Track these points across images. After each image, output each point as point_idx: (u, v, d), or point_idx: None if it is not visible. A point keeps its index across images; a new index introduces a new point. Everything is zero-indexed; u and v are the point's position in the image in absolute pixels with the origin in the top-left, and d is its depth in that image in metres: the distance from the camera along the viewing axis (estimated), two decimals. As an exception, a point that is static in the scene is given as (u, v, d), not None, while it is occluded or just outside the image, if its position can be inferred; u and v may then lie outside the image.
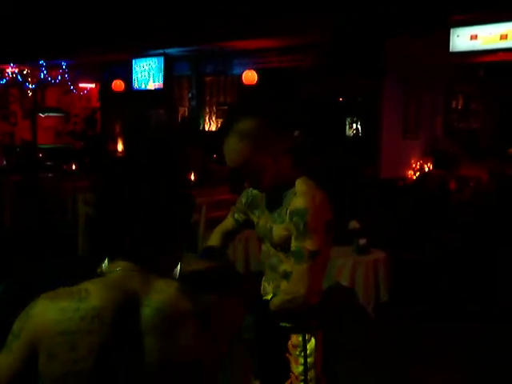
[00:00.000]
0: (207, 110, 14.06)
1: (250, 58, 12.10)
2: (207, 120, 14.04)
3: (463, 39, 8.64)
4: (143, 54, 12.98)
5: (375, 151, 10.60)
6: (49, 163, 13.77)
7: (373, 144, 10.68)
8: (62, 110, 17.89)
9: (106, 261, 1.58)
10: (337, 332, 2.72)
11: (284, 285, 2.57)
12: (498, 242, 6.84)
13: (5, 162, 13.86)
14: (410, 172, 10.97)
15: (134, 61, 13.39)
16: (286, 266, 2.56)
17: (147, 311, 1.47)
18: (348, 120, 11.59)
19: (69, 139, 16.54)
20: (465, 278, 6.79)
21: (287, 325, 2.64)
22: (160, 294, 1.50)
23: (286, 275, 2.55)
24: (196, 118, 13.89)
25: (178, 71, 13.41)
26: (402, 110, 10.87)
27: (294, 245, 2.47)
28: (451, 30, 8.69)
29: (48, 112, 17.60)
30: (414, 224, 7.64)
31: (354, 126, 11.52)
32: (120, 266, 1.54)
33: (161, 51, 12.45)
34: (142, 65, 13.22)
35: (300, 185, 2.55)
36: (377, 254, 6.25)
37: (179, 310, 1.50)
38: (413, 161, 11.04)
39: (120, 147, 15.82)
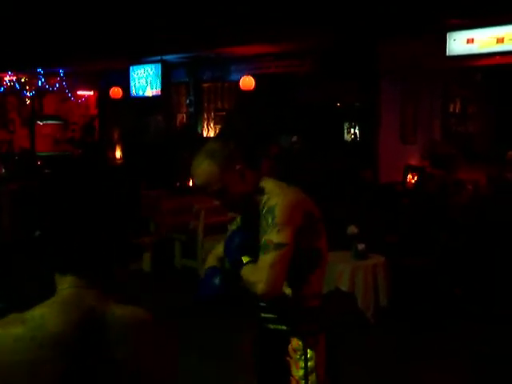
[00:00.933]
0: (205, 116, 14.07)
1: (248, 64, 12.12)
2: (205, 126, 14.05)
3: (460, 43, 8.66)
4: (141, 60, 12.99)
5: (373, 156, 10.60)
6: (47, 171, 13.76)
7: (371, 148, 10.68)
8: (61, 118, 17.89)
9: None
10: (337, 337, 2.73)
11: (288, 291, 2.58)
12: (497, 245, 6.84)
13: (3, 170, 13.85)
14: (408, 176, 10.95)
15: (131, 68, 13.41)
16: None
17: (114, 325, 1.47)
18: (346, 125, 11.59)
19: (67, 147, 16.54)
20: (464, 281, 6.78)
21: (287, 328, 2.65)
22: (120, 308, 1.51)
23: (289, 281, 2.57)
24: (194, 124, 13.90)
25: (175, 78, 13.42)
26: (400, 114, 10.87)
27: (262, 240, 2.51)
28: (448, 34, 8.70)
29: (46, 120, 17.60)
30: (413, 228, 7.64)
31: (352, 130, 11.53)
32: (67, 283, 1.52)
33: (158, 58, 12.46)
34: (139, 72, 13.24)
35: (270, 188, 2.64)
36: (376, 258, 6.25)
37: (142, 321, 1.53)
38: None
39: (118, 154, 15.82)
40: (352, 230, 6.34)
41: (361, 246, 6.17)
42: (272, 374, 2.75)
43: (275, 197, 2.56)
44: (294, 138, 11.67)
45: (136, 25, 11.30)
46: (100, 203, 1.60)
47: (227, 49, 11.19)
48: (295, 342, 2.64)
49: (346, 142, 11.52)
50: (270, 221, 2.51)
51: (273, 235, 2.47)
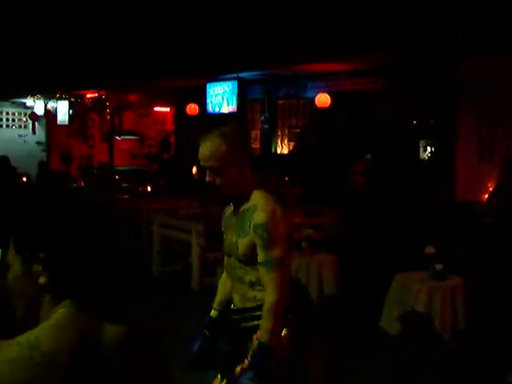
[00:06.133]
0: (279, 133, 14.15)
1: (323, 81, 12.14)
2: (279, 143, 14.13)
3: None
4: (217, 78, 13.18)
5: (450, 174, 10.41)
6: (125, 185, 14.11)
7: (447, 167, 10.50)
8: (138, 133, 18.34)
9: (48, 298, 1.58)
10: (412, 358, 2.72)
11: (251, 293, 2.87)
12: None
13: (83, 184, 14.31)
14: (485, 196, 10.72)
15: (208, 85, 13.59)
16: (251, 276, 2.86)
17: (109, 343, 1.51)
18: (421, 143, 11.44)
19: (144, 161, 16.92)
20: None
21: (253, 324, 2.86)
22: (113, 328, 1.55)
23: (252, 284, 2.87)
24: (268, 141, 14.00)
25: (251, 95, 13.55)
26: (477, 132, 10.66)
27: (261, 256, 2.77)
28: (531, 52, 8.48)
29: (124, 135, 18.07)
30: (492, 248, 7.46)
31: (428, 148, 11.37)
32: (60, 307, 1.55)
33: (235, 75, 12.61)
34: (216, 89, 13.41)
35: (259, 199, 2.84)
36: (454, 280, 6.13)
37: (133, 338, 1.57)
38: (489, 184, 10.79)
39: (194, 170, 16.07)
40: (429, 250, 6.24)
41: (438, 267, 6.07)
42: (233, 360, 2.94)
43: (264, 212, 2.77)
44: (368, 156, 11.60)
45: (213, 43, 11.50)
46: (94, 231, 1.67)
47: (303, 66, 11.24)
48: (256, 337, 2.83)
49: (422, 160, 11.36)
50: (265, 236, 2.75)
51: (275, 251, 2.75)
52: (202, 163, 2.88)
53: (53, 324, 1.51)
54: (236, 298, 2.99)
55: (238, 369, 2.84)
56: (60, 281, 1.57)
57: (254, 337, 2.83)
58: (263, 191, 2.89)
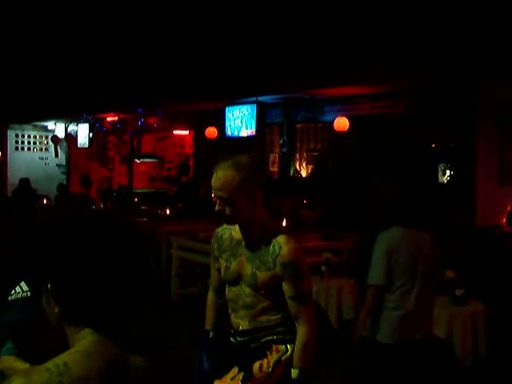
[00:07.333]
0: (297, 157, 14.16)
1: (342, 105, 12.15)
2: (298, 166, 14.14)
3: None
4: (236, 101, 13.24)
5: (470, 198, 10.33)
6: (144, 207, 14.15)
7: (467, 191, 10.42)
8: (157, 156, 18.43)
9: (69, 327, 1.55)
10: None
11: (263, 318, 2.93)
12: None
13: (102, 206, 14.38)
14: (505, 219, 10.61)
15: (227, 108, 13.64)
16: (263, 304, 2.92)
17: (136, 372, 1.51)
18: (441, 166, 11.38)
19: (162, 184, 16.98)
20: None
21: (266, 339, 2.96)
22: (139, 357, 1.54)
23: (264, 310, 2.92)
24: (287, 164, 14.01)
25: (269, 118, 13.57)
26: (498, 156, 10.59)
27: (292, 290, 2.86)
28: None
29: (143, 158, 18.17)
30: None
31: (448, 172, 11.31)
32: (85, 334, 1.53)
33: (254, 99, 12.66)
34: (235, 112, 13.45)
35: (279, 237, 2.89)
36: (475, 305, 6.05)
37: (160, 367, 1.57)
38: (510, 208, 10.69)
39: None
40: (449, 274, 6.18)
41: (459, 292, 6.00)
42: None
43: (288, 249, 2.84)
44: (376, 178, 11.51)
45: (232, 67, 11.60)
46: (123, 255, 1.63)
47: (321, 90, 11.28)
48: (276, 347, 2.93)
49: (441, 184, 11.30)
50: (295, 273, 2.85)
51: (305, 285, 2.89)
52: (213, 192, 2.88)
53: (81, 350, 1.49)
54: (243, 322, 3.00)
55: (257, 364, 2.93)
56: (68, 310, 1.54)
57: (274, 347, 2.94)
58: (287, 234, 2.96)
